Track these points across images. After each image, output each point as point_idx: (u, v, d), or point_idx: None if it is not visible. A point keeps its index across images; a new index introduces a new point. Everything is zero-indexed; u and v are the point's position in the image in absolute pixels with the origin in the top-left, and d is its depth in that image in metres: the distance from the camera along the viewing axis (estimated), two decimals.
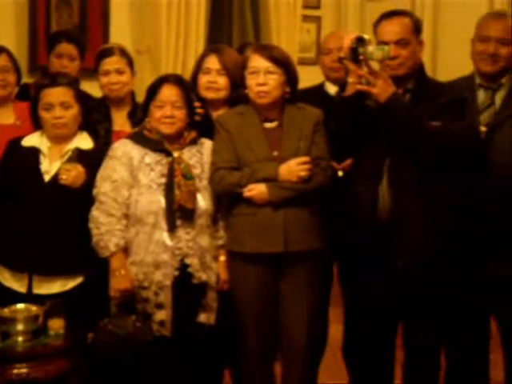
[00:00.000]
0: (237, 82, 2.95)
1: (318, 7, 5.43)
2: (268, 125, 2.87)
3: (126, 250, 2.77)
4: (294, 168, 2.77)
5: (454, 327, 2.99)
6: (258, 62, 2.80)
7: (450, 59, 4.37)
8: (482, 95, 2.95)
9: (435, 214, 2.73)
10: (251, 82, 2.81)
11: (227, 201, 2.86)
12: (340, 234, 2.88)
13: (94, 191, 2.80)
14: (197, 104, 2.93)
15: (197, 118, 2.93)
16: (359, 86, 2.65)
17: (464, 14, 3.48)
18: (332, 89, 3.35)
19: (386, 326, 2.91)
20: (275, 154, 2.81)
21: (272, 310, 2.87)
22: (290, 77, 2.83)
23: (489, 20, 2.95)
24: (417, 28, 2.81)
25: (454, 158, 2.70)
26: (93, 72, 3.33)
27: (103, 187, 2.77)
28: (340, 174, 2.92)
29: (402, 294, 2.82)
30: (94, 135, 3.01)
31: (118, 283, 2.75)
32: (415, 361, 2.92)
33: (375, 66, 2.71)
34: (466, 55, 2.99)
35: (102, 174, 2.80)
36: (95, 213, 2.77)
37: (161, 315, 2.75)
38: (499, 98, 2.92)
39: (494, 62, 2.88)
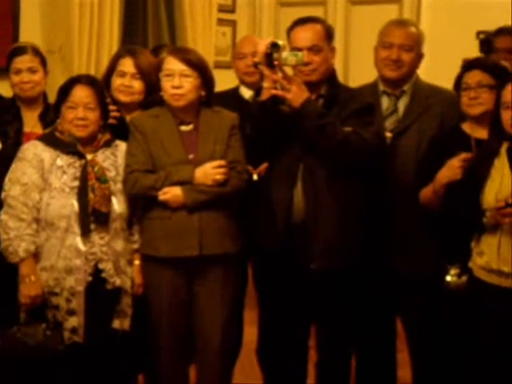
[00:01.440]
0: (152, 85, 2.93)
1: (233, 11, 5.46)
2: (183, 128, 2.85)
3: (36, 255, 2.70)
4: (209, 171, 2.77)
5: (363, 327, 3.06)
6: (173, 64, 2.79)
7: (361, 66, 4.46)
8: (385, 102, 3.03)
9: (347, 216, 2.79)
10: (166, 84, 2.79)
11: (142, 204, 2.83)
12: (255, 237, 2.90)
13: (3, 195, 2.72)
14: (112, 107, 2.89)
15: (111, 121, 2.88)
16: (274, 91, 2.68)
17: (375, 22, 3.56)
18: (247, 93, 3.38)
19: (299, 327, 2.95)
20: (191, 157, 2.80)
21: (186, 313, 2.86)
22: (206, 80, 2.83)
23: (391, 27, 3.02)
24: (329, 35, 2.86)
25: (363, 162, 2.76)
26: (2, 71, 3.23)
27: (12, 190, 2.69)
28: (255, 177, 2.94)
29: (315, 295, 2.87)
30: (3, 136, 2.92)
31: (28, 289, 2.67)
32: (327, 361, 2.97)
33: (289, 71, 2.75)
34: None
35: (10, 176, 2.72)
36: (4, 217, 2.69)
37: (72, 322, 2.70)
38: (402, 104, 3.01)
39: (397, 68, 2.96)
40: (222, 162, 2.78)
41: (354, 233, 2.81)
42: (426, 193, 2.79)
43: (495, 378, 2.61)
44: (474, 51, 3.26)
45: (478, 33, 3.23)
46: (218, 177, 2.77)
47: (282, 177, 2.81)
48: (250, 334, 3.22)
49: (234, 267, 2.89)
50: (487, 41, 3.21)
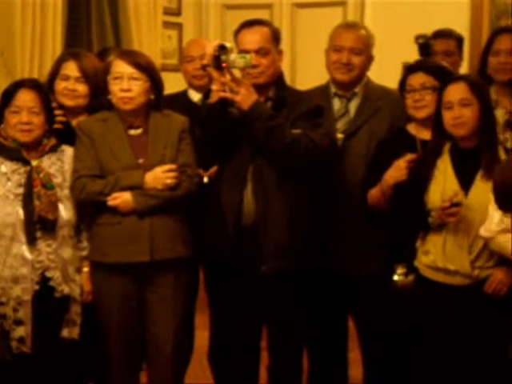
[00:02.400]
0: (97, 89, 2.89)
1: (178, 14, 5.43)
2: (132, 132, 2.82)
3: None
4: (160, 175, 2.74)
5: (315, 327, 3.08)
6: (121, 67, 2.75)
7: (308, 68, 4.50)
8: (337, 104, 3.05)
9: (297, 217, 2.80)
10: (115, 87, 2.75)
11: (90, 210, 2.79)
12: (205, 240, 2.88)
13: None
14: (58, 112, 2.83)
15: (57, 125, 2.83)
16: (222, 94, 2.67)
17: (320, 25, 3.60)
18: (195, 96, 3.36)
19: (251, 329, 2.95)
20: (140, 161, 2.77)
21: (137, 320, 2.83)
22: (155, 83, 2.80)
23: (341, 30, 3.05)
24: (276, 37, 2.87)
25: (313, 164, 2.78)
26: None
27: None
28: (206, 180, 2.92)
29: (267, 297, 2.87)
30: None
31: None
32: (279, 363, 2.97)
33: (237, 73, 2.75)
34: (323, 64, 3.08)
35: None
36: None
37: (20, 332, 2.64)
38: (353, 106, 3.03)
39: (347, 71, 2.99)
40: (173, 166, 2.76)
41: (304, 234, 2.82)
42: (374, 193, 2.82)
43: (443, 374, 2.66)
44: (415, 54, 3.31)
45: (417, 37, 3.29)
46: (169, 181, 2.74)
47: (231, 179, 2.80)
48: (202, 338, 3.20)
49: (185, 272, 2.87)
50: (426, 44, 3.27)
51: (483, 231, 2.53)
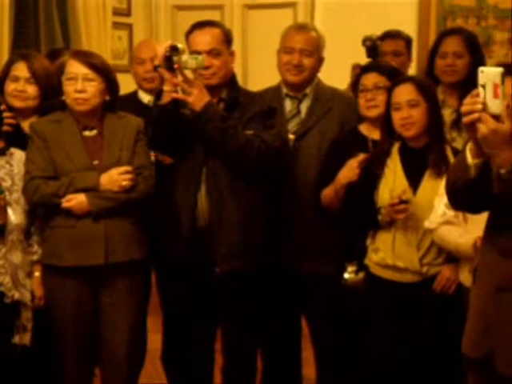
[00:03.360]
0: (47, 90, 2.84)
1: (128, 14, 5.38)
2: (87, 133, 2.78)
3: None
4: (115, 177, 2.71)
5: (269, 328, 3.09)
6: (76, 68, 2.71)
7: (260, 69, 4.52)
8: (288, 105, 3.07)
9: (250, 218, 2.80)
10: (69, 88, 2.71)
11: (43, 213, 2.74)
12: (159, 242, 2.87)
13: None
14: (7, 114, 2.77)
15: (6, 128, 2.77)
16: (174, 95, 2.66)
17: (271, 26, 3.61)
18: (145, 97, 3.35)
19: (204, 331, 2.95)
20: (95, 163, 2.74)
21: (91, 325, 2.79)
22: (110, 84, 2.77)
23: (292, 32, 3.06)
24: (227, 39, 2.87)
25: (266, 165, 2.79)
26: None
27: None
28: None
29: (220, 298, 2.87)
30: None
31: None
32: (233, 364, 2.97)
33: (189, 75, 2.74)
34: (274, 65, 3.09)
35: None
36: None
37: None
38: (304, 107, 3.05)
39: (298, 72, 3.00)
40: (128, 168, 2.73)
41: (257, 235, 2.83)
42: (328, 193, 2.85)
43: (394, 371, 2.69)
44: (365, 55, 3.36)
45: (364, 39, 3.34)
46: (125, 183, 2.71)
47: (185, 181, 2.79)
48: (155, 341, 3.18)
49: (139, 274, 2.85)
50: (373, 46, 3.31)
51: (428, 223, 2.59)
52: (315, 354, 3.14)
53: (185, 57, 2.64)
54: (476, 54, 3.15)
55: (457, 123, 2.98)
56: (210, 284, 2.83)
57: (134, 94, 3.40)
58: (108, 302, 2.78)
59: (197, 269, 2.81)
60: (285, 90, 3.08)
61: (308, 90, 3.06)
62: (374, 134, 2.87)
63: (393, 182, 2.69)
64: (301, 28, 3.11)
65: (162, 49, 2.64)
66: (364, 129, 2.92)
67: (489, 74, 1.76)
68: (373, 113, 2.85)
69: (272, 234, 2.90)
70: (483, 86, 1.77)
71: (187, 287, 2.85)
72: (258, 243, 2.84)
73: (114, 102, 2.80)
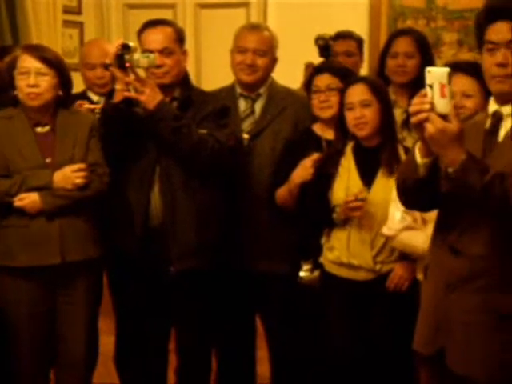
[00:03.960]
0: None
1: (79, 13, 5.32)
2: (39, 129, 2.73)
3: None
4: (69, 175, 2.67)
5: (223, 327, 3.09)
6: (28, 62, 2.65)
7: (213, 68, 4.51)
8: (242, 104, 3.07)
9: (204, 217, 2.80)
10: (21, 83, 2.65)
11: None
12: (112, 241, 2.84)
13: None
14: None
15: None
16: (127, 93, 2.64)
17: (224, 25, 3.61)
18: (94, 97, 3.32)
19: (158, 331, 2.92)
20: (48, 160, 2.69)
21: (46, 326, 2.75)
22: (64, 79, 2.72)
23: (245, 32, 3.07)
24: (180, 37, 2.86)
25: (219, 164, 2.79)
26: None
27: None
28: None
29: (175, 298, 2.85)
30: None
31: None
32: (187, 364, 2.97)
33: (142, 73, 2.72)
34: (228, 65, 3.10)
35: None
36: None
37: None
38: (259, 107, 3.06)
39: (252, 72, 3.01)
40: (82, 166, 2.70)
41: (211, 234, 2.83)
42: (282, 192, 2.86)
43: (348, 367, 2.72)
44: (318, 55, 3.38)
45: (317, 38, 3.36)
46: (78, 180, 2.68)
47: (138, 180, 2.77)
48: (108, 343, 3.14)
49: (95, 273, 2.83)
50: (326, 46, 3.34)
51: (386, 230, 2.61)
52: (270, 352, 3.15)
53: (137, 55, 2.62)
54: (426, 54, 3.20)
55: (407, 123, 3.01)
56: (163, 283, 2.81)
57: (82, 94, 3.38)
58: (65, 301, 2.74)
59: (150, 268, 2.79)
60: (239, 90, 3.08)
61: (262, 90, 3.06)
62: (327, 133, 2.89)
63: (347, 180, 2.71)
64: (254, 28, 3.12)
65: (113, 47, 2.61)
66: (318, 128, 2.94)
67: (436, 74, 1.79)
68: (326, 113, 2.87)
69: (227, 233, 2.90)
70: (431, 86, 1.79)
71: (141, 287, 2.83)
72: (213, 242, 2.84)
73: (67, 98, 2.76)
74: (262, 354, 3.23)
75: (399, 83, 3.18)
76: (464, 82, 2.40)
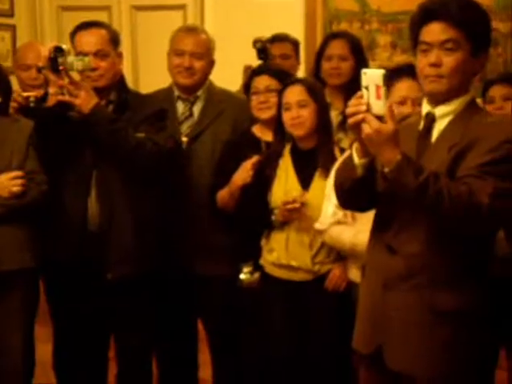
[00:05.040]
0: None
1: (11, 15, 5.20)
2: None
3: None
4: (6, 183, 2.62)
5: (163, 332, 3.06)
6: None
7: (151, 71, 4.47)
8: (180, 107, 3.06)
9: (143, 223, 2.77)
10: None
11: None
12: (49, 248, 2.78)
13: None
14: None
15: None
16: (61, 97, 2.59)
17: (161, 27, 3.59)
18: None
19: (97, 339, 2.88)
20: None
21: None
22: (2, 85, 2.67)
23: (182, 34, 3.05)
24: (114, 40, 2.82)
25: (158, 168, 2.76)
26: None
27: None
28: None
29: (113, 304, 2.81)
30: None
31: None
32: (128, 371, 2.93)
33: (76, 76, 2.68)
34: (165, 67, 3.07)
35: None
36: None
37: None
38: (197, 109, 3.05)
39: (189, 75, 3.00)
40: (19, 173, 2.65)
41: (150, 239, 2.80)
42: (223, 195, 2.85)
43: (289, 366, 2.73)
44: (255, 57, 3.39)
45: (255, 41, 3.38)
46: (15, 189, 2.63)
47: (75, 185, 2.72)
48: (46, 351, 3.08)
49: (31, 282, 2.77)
50: (263, 48, 3.35)
51: (318, 224, 2.64)
52: (212, 356, 3.14)
53: (71, 58, 2.58)
54: (359, 56, 3.25)
55: (343, 125, 3.06)
56: (102, 290, 2.77)
57: None
58: (1, 311, 2.68)
59: (88, 275, 2.74)
60: (176, 93, 3.07)
61: (200, 93, 3.06)
62: (266, 135, 2.90)
63: (285, 182, 2.73)
64: (190, 30, 3.11)
65: (46, 51, 2.56)
66: (257, 130, 2.95)
67: (371, 75, 1.81)
68: (265, 114, 2.88)
69: (166, 237, 2.87)
70: (366, 88, 1.82)
71: (78, 294, 2.78)
72: (152, 247, 2.81)
73: (6, 104, 2.69)
74: (205, 358, 3.21)
75: (334, 85, 3.22)
76: (413, 87, 2.43)
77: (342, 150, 2.73)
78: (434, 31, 1.93)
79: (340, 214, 2.59)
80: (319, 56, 3.28)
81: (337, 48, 3.22)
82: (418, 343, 1.96)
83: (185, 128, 3.03)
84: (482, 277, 1.99)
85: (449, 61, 1.91)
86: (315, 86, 2.81)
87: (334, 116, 3.06)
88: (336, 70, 3.20)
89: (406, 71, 2.44)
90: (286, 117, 2.72)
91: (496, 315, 2.02)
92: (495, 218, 1.84)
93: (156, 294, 2.90)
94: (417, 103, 2.39)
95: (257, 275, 2.81)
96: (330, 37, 3.37)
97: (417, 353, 1.97)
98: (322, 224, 2.62)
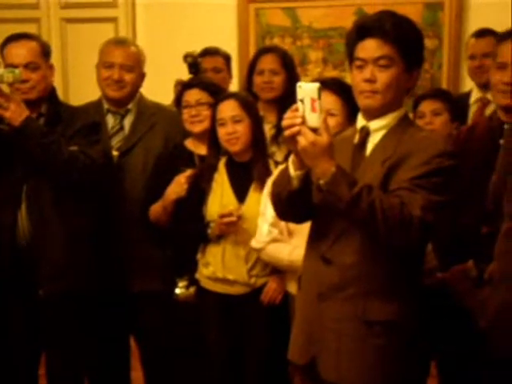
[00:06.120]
0: None
1: None
2: None
3: None
4: None
5: (95, 350, 3.00)
6: None
7: (81, 83, 4.41)
8: (111, 120, 3.03)
9: (75, 238, 2.72)
10: None
11: None
12: None
13: None
14: None
15: None
16: None
17: (92, 40, 3.55)
18: None
19: (28, 355, 2.81)
20: None
21: None
22: None
23: (112, 47, 3.02)
24: (45, 52, 2.78)
25: (90, 182, 2.72)
26: None
27: None
28: None
29: (45, 321, 2.75)
30: None
31: None
32: None
33: (6, 89, 2.62)
34: (95, 80, 3.04)
35: None
36: None
37: None
38: (128, 123, 3.03)
39: (119, 87, 2.97)
40: None
41: (82, 255, 2.75)
42: (156, 209, 2.83)
43: (226, 379, 2.74)
44: (187, 71, 3.39)
45: (186, 56, 3.38)
46: None
47: (4, 199, 2.66)
48: None
49: None
50: (194, 63, 3.36)
51: (254, 243, 2.65)
52: (144, 373, 3.10)
53: (0, 70, 2.52)
54: (291, 71, 3.29)
55: (276, 138, 3.09)
56: (33, 306, 2.70)
57: None
58: None
59: (19, 291, 2.68)
60: (106, 106, 3.04)
61: (131, 106, 3.03)
62: (200, 149, 2.90)
63: (221, 196, 2.73)
64: (120, 43, 3.08)
65: None
66: (190, 144, 2.94)
67: (306, 89, 1.84)
68: (198, 128, 2.88)
69: (100, 253, 2.83)
70: (302, 101, 1.84)
71: (8, 310, 2.71)
72: (85, 262, 2.76)
73: None
74: (137, 375, 3.16)
75: (267, 99, 3.24)
76: (328, 100, 2.48)
77: (277, 163, 2.76)
78: (369, 48, 1.97)
79: (275, 231, 2.61)
80: (251, 70, 3.30)
81: (268, 62, 3.26)
82: (351, 354, 1.99)
83: (115, 142, 2.99)
84: (413, 288, 2.04)
85: (383, 77, 1.96)
86: (249, 101, 2.82)
87: (268, 130, 3.09)
88: (268, 84, 3.23)
89: (326, 84, 2.50)
90: (222, 132, 2.73)
91: (426, 326, 2.06)
92: (426, 230, 1.88)
93: (88, 311, 2.85)
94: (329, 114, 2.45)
95: (192, 289, 2.80)
96: (262, 51, 3.40)
97: (350, 363, 1.99)
98: (258, 243, 2.63)
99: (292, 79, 3.13)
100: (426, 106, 2.91)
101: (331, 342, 2.01)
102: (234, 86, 3.90)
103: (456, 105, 3.01)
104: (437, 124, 2.86)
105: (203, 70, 3.45)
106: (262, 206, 2.61)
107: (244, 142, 2.72)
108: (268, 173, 2.71)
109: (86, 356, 2.95)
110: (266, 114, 3.20)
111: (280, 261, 2.61)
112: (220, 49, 3.75)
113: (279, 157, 2.93)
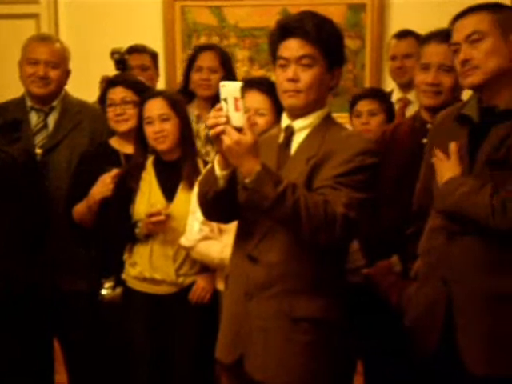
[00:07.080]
0: None
1: None
2: None
3: None
4: None
5: (17, 352, 2.92)
6: None
7: (2, 81, 4.30)
8: (34, 118, 2.97)
9: (3, 241, 2.65)
10: None
11: None
12: None
13: None
14: None
15: None
16: None
17: (12, 36, 3.46)
18: None
19: None
20: None
21: None
22: None
23: (36, 43, 2.97)
24: None
25: (10, 181, 2.65)
26: None
27: None
28: None
29: None
30: None
31: None
32: None
33: None
34: (17, 77, 2.97)
35: None
36: None
37: None
38: (52, 120, 2.98)
39: (44, 84, 2.92)
40: None
41: (9, 255, 2.68)
42: (80, 209, 2.79)
43: (155, 379, 2.72)
44: (113, 68, 3.35)
45: (113, 52, 3.34)
46: None
47: None
48: None
49: None
50: (121, 60, 3.32)
51: (185, 241, 2.63)
52: (69, 377, 3.05)
53: None
54: (229, 69, 3.30)
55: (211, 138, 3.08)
56: None
57: None
58: None
59: None
60: (29, 103, 2.97)
61: (55, 103, 2.98)
62: (125, 147, 2.87)
63: (149, 195, 2.71)
64: (44, 39, 3.03)
65: None
66: (115, 143, 2.90)
67: (229, 88, 1.85)
68: (123, 127, 2.85)
69: (26, 253, 2.75)
70: (225, 100, 1.85)
71: None
72: (11, 265, 2.68)
73: None
74: (62, 379, 3.11)
75: (204, 97, 3.24)
76: (257, 100, 2.49)
77: (206, 163, 2.75)
78: (291, 47, 1.99)
79: (206, 229, 2.60)
80: (189, 68, 3.29)
81: (207, 60, 3.26)
82: (277, 351, 2.00)
83: (39, 139, 2.93)
84: (339, 285, 2.07)
85: (306, 76, 1.98)
86: (176, 99, 2.80)
87: (203, 129, 3.08)
88: (206, 82, 3.23)
89: (254, 84, 2.52)
90: (149, 131, 2.70)
91: (352, 323, 2.09)
92: (350, 227, 1.90)
93: (12, 311, 2.77)
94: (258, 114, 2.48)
95: (119, 290, 2.77)
96: (200, 49, 3.41)
97: (276, 361, 2.00)
98: (189, 241, 2.62)
99: (229, 77, 3.13)
100: (363, 106, 2.93)
101: (258, 339, 2.02)
102: (160, 83, 3.87)
103: (392, 105, 3.06)
104: (373, 124, 2.89)
105: (130, 68, 3.42)
106: (192, 205, 2.60)
107: (172, 141, 2.71)
108: (197, 172, 2.70)
109: (9, 358, 2.87)
110: (202, 112, 3.20)
111: (211, 259, 2.61)
112: (147, 46, 3.72)
113: (213, 156, 2.92)
